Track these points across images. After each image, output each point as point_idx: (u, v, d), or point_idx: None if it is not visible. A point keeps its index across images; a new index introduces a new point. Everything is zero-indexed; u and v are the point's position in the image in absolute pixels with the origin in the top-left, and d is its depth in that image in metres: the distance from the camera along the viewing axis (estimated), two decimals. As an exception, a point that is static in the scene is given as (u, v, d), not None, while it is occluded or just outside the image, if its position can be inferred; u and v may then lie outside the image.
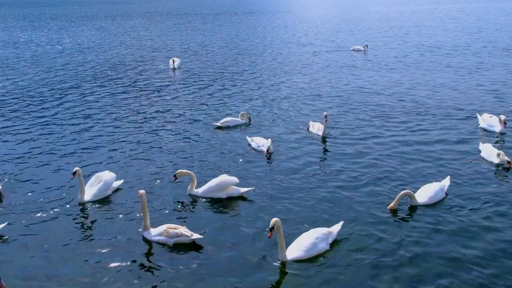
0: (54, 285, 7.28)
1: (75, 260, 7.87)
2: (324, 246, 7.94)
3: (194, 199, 10.15)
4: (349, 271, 7.48)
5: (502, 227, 8.71)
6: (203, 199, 10.09)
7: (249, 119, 15.56)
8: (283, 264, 7.65)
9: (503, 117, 13.91)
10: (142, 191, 8.67)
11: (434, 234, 8.48)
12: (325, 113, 13.69)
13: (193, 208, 9.84)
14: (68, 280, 7.39)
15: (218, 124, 15.22)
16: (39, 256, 7.98)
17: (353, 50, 31.54)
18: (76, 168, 9.69)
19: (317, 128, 14.08)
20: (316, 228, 8.16)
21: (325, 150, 12.96)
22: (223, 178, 10.23)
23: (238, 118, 15.49)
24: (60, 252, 8.11)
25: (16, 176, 11.25)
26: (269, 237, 7.58)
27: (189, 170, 10.64)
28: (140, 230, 8.62)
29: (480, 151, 12.15)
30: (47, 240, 8.45)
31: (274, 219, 7.55)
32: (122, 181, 10.60)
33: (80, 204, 9.73)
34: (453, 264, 7.60)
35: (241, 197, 10.17)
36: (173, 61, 25.68)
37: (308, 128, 14.47)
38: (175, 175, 10.29)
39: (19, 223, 9.02)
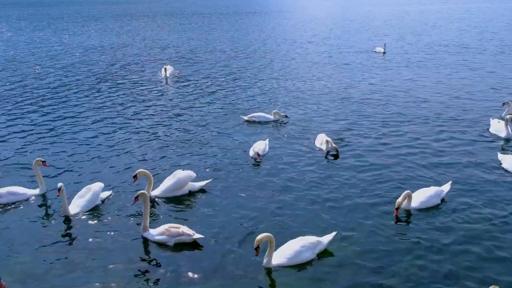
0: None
1: (75, 266, 7.69)
2: (309, 255, 7.72)
3: (189, 201, 9.87)
4: (335, 282, 7.21)
5: (495, 236, 8.33)
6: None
7: (286, 116, 15.52)
8: (268, 270, 7.50)
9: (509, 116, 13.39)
10: (143, 192, 8.55)
11: (428, 248, 8.02)
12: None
13: (188, 209, 9.59)
14: (70, 283, 7.26)
15: (245, 118, 15.38)
16: (35, 261, 7.82)
17: (375, 51, 30.18)
18: (60, 184, 9.12)
19: (320, 142, 12.82)
20: (305, 236, 7.93)
21: (327, 156, 12.30)
22: (180, 174, 9.98)
23: (270, 115, 15.44)
24: (59, 257, 7.93)
25: (7, 181, 10.85)
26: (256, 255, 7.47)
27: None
28: (140, 231, 8.50)
29: (500, 161, 11.48)
30: (41, 247, 8.21)
31: (261, 237, 7.36)
32: (111, 191, 10.13)
33: (65, 216, 9.22)
34: (448, 281, 7.18)
35: (238, 199, 9.90)
36: (165, 69, 23.27)
37: (314, 141, 13.22)
38: (135, 175, 9.71)
39: (13, 231, 8.84)
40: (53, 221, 9.12)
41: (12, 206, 9.71)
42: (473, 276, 7.28)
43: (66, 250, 8.13)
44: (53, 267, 7.64)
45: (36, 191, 10.10)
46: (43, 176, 10.28)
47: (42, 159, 10.26)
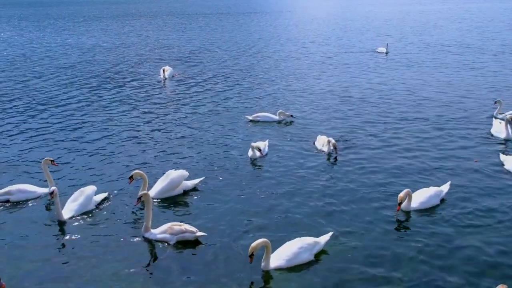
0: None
1: (75, 267, 7.63)
2: (307, 256, 7.67)
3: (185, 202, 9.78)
4: (333, 282, 7.19)
5: (497, 236, 8.28)
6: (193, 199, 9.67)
7: (292, 116, 15.45)
8: (266, 272, 7.46)
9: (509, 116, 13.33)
10: (146, 192, 8.53)
11: (425, 251, 7.94)
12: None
13: (185, 210, 9.54)
14: (71, 283, 7.24)
15: (250, 118, 15.31)
16: (36, 262, 7.78)
17: (377, 52, 30.03)
18: (53, 188, 9.01)
19: (321, 143, 12.67)
20: (302, 237, 7.86)
21: (328, 157, 12.19)
22: (172, 175, 9.92)
23: (275, 115, 15.39)
24: (59, 258, 7.91)
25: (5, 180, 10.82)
26: (250, 262, 7.32)
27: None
28: (141, 231, 8.46)
29: (502, 162, 11.40)
30: (40, 248, 8.16)
31: (256, 243, 7.24)
32: (106, 193, 9.98)
33: (59, 221, 9.08)
34: (448, 281, 7.14)
35: (237, 199, 9.84)
36: (164, 70, 22.87)
37: (314, 142, 13.04)
38: (131, 177, 9.66)
39: (14, 231, 8.78)
40: (53, 222, 9.04)
41: (18, 205, 9.66)
42: (475, 276, 7.23)
43: (65, 252, 8.07)
44: (53, 268, 7.59)
45: (46, 190, 10.05)
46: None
47: (51, 158, 10.26)
